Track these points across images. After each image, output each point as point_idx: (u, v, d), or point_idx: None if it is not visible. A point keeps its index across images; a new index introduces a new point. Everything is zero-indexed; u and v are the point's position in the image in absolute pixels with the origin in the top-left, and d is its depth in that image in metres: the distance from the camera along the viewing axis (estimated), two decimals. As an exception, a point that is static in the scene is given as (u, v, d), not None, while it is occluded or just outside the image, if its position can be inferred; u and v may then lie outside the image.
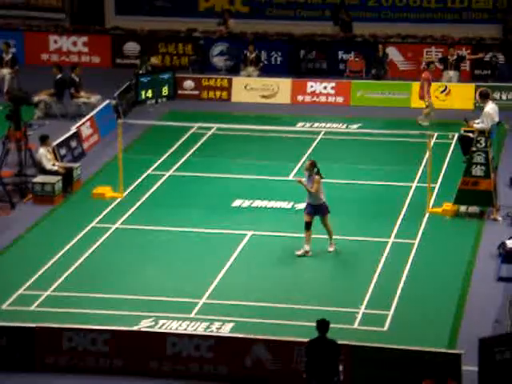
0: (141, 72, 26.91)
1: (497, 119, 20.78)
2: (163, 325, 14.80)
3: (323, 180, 17.32)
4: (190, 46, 29.60)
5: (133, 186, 20.32)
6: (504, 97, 25.89)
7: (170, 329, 14.60)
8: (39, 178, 19.87)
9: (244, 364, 13.41)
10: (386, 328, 14.81)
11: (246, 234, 18.04)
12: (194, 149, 22.93)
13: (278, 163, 21.89)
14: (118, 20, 31.24)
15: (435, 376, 12.49)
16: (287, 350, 13.30)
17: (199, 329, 14.67)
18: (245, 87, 27.00)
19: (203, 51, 29.24)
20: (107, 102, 24.66)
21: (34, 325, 13.82)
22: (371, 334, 14.50)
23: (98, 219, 18.77)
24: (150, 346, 13.59)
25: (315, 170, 17.20)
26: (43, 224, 18.81)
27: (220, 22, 29.99)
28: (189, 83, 27.22)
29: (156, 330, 14.46)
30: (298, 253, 17.10)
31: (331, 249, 17.24)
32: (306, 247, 17.10)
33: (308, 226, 17.11)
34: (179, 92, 27.16)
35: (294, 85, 26.92)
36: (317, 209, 17.20)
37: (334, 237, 17.58)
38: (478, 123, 20.62)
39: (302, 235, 17.88)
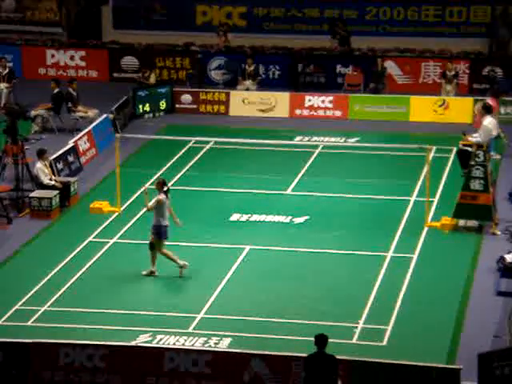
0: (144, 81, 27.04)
1: (495, 133, 20.77)
2: (160, 340, 14.72)
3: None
4: (187, 60, 29.63)
5: (130, 201, 20.26)
6: (502, 111, 25.87)
7: (168, 344, 14.52)
8: (36, 193, 19.81)
9: (242, 379, 13.32)
10: (384, 343, 14.73)
11: (243, 248, 17.98)
12: (192, 163, 22.89)
13: (276, 177, 21.85)
14: (115, 34, 31.27)
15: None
16: (285, 365, 13.21)
17: (197, 344, 14.59)
18: (243, 101, 26.99)
19: (201, 65, 29.25)
20: (105, 116, 24.64)
21: (29, 340, 13.73)
22: (370, 349, 14.42)
23: (95, 234, 18.70)
24: (148, 362, 13.49)
25: (164, 189, 16.70)
26: (40, 239, 18.74)
27: (219, 33, 29.96)
28: (186, 97, 27.22)
29: (153, 345, 14.37)
30: (144, 273, 16.78)
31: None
32: (152, 267, 16.78)
33: (151, 246, 16.71)
34: (177, 106, 27.15)
35: (291, 98, 26.92)
36: (154, 229, 16.69)
37: (333, 251, 17.53)
38: (476, 137, 20.60)
39: (301, 249, 17.84)
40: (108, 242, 18.32)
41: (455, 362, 13.95)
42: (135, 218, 19.23)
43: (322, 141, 24.36)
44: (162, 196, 16.70)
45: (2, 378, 13.64)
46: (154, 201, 16.73)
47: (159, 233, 16.67)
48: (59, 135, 24.40)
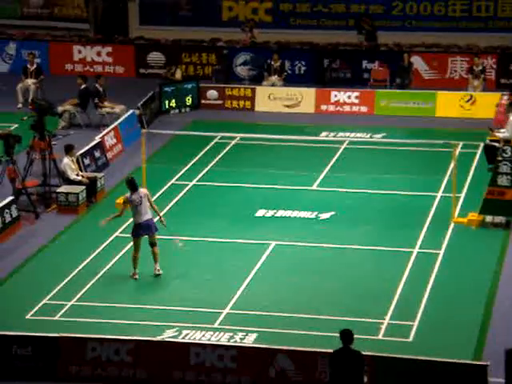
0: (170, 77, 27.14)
1: (522, 128, 20.64)
2: (187, 335, 14.77)
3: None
4: (213, 56, 29.65)
5: (156, 196, 20.32)
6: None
7: (194, 339, 14.55)
8: (63, 188, 19.92)
9: (268, 374, 13.34)
10: (410, 339, 14.68)
11: (269, 244, 17.98)
12: (218, 158, 22.92)
13: (302, 173, 21.82)
14: (141, 30, 31.36)
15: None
16: (311, 360, 13.22)
17: (222, 339, 14.62)
18: (268, 97, 26.98)
19: (227, 61, 29.26)
20: (131, 111, 24.72)
21: (57, 334, 13.83)
22: (396, 345, 14.38)
23: (121, 229, 18.77)
24: (174, 356, 13.55)
25: (130, 187, 16.48)
26: (67, 234, 18.85)
27: (245, 29, 29.97)
28: (212, 93, 27.24)
29: (179, 340, 14.42)
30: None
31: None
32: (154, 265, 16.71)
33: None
34: (203, 102, 27.19)
35: (317, 94, 26.88)
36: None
37: (359, 247, 17.52)
38: (504, 132, 20.47)
39: (326, 245, 17.84)
40: (134, 237, 18.38)
41: (482, 358, 13.88)
42: (161, 213, 19.26)
43: (348, 136, 24.29)
44: (126, 195, 16.62)
45: (30, 372, 13.75)
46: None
47: (132, 231, 16.71)
48: (86, 131, 24.52)
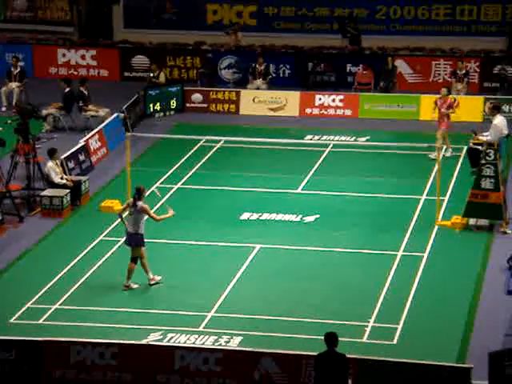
0: (153, 79, 27.08)
1: (506, 132, 20.73)
2: (171, 338, 14.76)
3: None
4: (198, 59, 29.66)
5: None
6: (513, 109, 25.83)
7: (179, 342, 14.56)
8: (47, 192, 19.88)
9: (252, 378, 13.35)
10: (395, 341, 14.73)
11: (254, 247, 18.01)
12: (202, 161, 22.93)
13: (287, 176, 21.87)
14: (126, 33, 31.33)
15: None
16: (296, 363, 13.23)
17: (207, 342, 14.63)
18: (253, 100, 27.02)
19: (211, 64, 29.28)
20: (115, 115, 24.70)
21: (41, 338, 13.79)
22: (380, 348, 14.43)
23: (106, 232, 18.75)
24: (158, 360, 13.54)
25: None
26: (51, 237, 18.81)
27: (228, 32, 30.01)
28: (197, 96, 27.26)
29: (164, 343, 14.41)
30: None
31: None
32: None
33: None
34: (187, 105, 27.19)
35: (302, 97, 26.93)
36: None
37: (343, 250, 17.58)
38: (487, 136, 20.57)
39: (311, 248, 17.88)
40: (119, 241, 18.35)
41: (466, 360, 13.94)
42: (146, 217, 19.26)
43: (333, 140, 24.35)
44: (130, 200, 16.57)
45: (14, 376, 13.70)
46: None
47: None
48: (70, 134, 24.47)
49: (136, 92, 26.27)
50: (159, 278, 16.62)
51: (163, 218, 16.65)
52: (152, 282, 16.54)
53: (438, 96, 23.27)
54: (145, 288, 16.55)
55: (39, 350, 13.65)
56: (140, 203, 16.39)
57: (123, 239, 16.78)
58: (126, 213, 16.61)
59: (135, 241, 16.38)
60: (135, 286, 16.50)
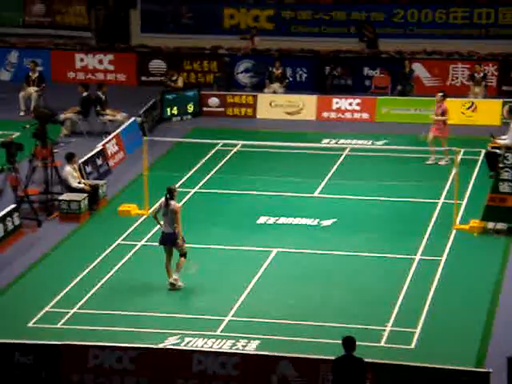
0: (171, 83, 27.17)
1: (524, 135, 20.66)
2: (189, 342, 14.77)
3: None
4: (215, 63, 29.71)
5: (158, 203, 20.31)
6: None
7: (196, 346, 14.56)
8: (65, 196, 19.95)
9: (270, 382, 13.33)
10: (413, 346, 14.68)
11: (271, 251, 18.00)
12: (219, 165, 22.95)
13: (304, 180, 21.85)
14: (143, 38, 31.42)
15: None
16: (313, 367, 13.21)
17: (225, 346, 14.63)
18: (270, 104, 27.03)
19: (228, 68, 29.31)
20: (133, 119, 24.77)
21: (59, 342, 13.83)
22: (398, 352, 14.38)
23: (123, 236, 18.80)
24: (176, 364, 13.55)
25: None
26: (69, 241, 18.87)
27: (245, 37, 30.06)
28: (214, 100, 27.29)
29: (182, 347, 14.42)
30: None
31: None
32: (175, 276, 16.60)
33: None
34: (204, 109, 27.24)
35: (319, 101, 26.92)
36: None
37: (361, 254, 17.56)
38: (505, 139, 20.49)
39: (328, 252, 17.86)
40: (136, 245, 18.42)
41: (484, 365, 13.88)
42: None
43: (350, 143, 24.32)
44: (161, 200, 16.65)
45: (32, 380, 13.75)
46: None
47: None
48: (88, 139, 24.56)
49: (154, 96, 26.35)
50: (181, 284, 16.60)
51: (180, 230, 16.50)
52: (173, 283, 16.42)
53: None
54: (162, 292, 16.56)
55: (57, 353, 13.68)
56: (173, 202, 16.47)
57: (157, 240, 16.66)
58: (160, 213, 16.62)
59: (176, 240, 16.41)
60: (181, 284, 16.48)
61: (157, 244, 18.43)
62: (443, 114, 22.48)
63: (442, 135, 22.46)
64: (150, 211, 16.83)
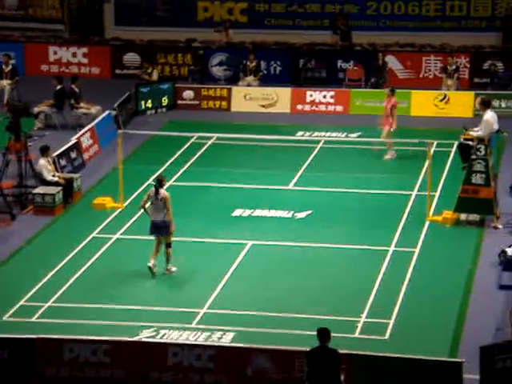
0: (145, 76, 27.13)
1: (496, 127, 20.79)
2: (164, 335, 14.80)
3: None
4: (189, 56, 29.67)
5: (133, 196, 20.34)
6: (503, 104, 25.95)
7: (171, 339, 14.59)
8: (39, 189, 19.89)
9: (245, 374, 13.40)
10: (387, 336, 14.79)
11: (246, 244, 18.05)
12: (194, 158, 22.96)
13: (278, 172, 21.91)
14: (117, 31, 31.32)
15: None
16: (288, 359, 13.29)
17: (200, 339, 14.67)
18: (244, 97, 27.05)
19: (203, 61, 29.29)
20: (107, 112, 24.70)
21: (34, 336, 13.82)
22: (372, 343, 14.49)
23: (98, 230, 18.78)
24: (151, 357, 13.57)
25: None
26: (44, 235, 18.82)
27: (219, 29, 30.06)
28: (188, 93, 27.28)
29: (157, 340, 14.45)
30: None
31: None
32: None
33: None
34: (179, 102, 27.22)
35: (293, 94, 26.98)
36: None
37: (335, 245, 17.64)
38: (477, 131, 20.64)
39: (303, 244, 17.95)
40: (111, 238, 18.41)
41: (457, 355, 14.02)
42: (138, 214, 19.27)
43: (324, 136, 24.40)
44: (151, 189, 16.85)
45: (7, 374, 13.73)
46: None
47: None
48: (62, 132, 24.47)
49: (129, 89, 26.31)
50: (174, 269, 16.82)
51: (171, 219, 16.63)
52: (153, 268, 16.60)
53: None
54: (137, 285, 16.58)
55: (32, 347, 13.67)
56: (162, 191, 16.59)
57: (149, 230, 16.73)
58: (148, 204, 16.68)
59: (165, 228, 16.55)
60: (174, 268, 16.74)
61: (132, 237, 18.44)
62: (392, 108, 22.54)
63: (388, 129, 22.48)
64: (141, 203, 16.90)
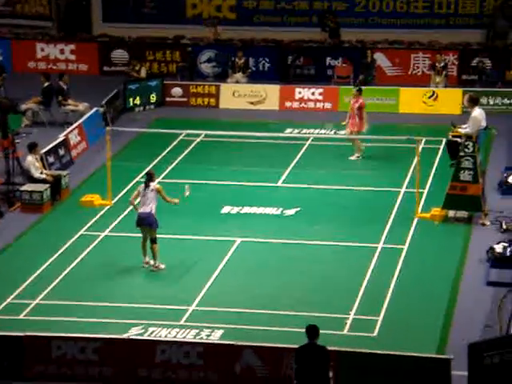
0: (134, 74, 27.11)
1: (484, 124, 20.83)
2: (152, 332, 14.78)
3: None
4: (177, 53, 29.62)
5: (121, 194, 20.30)
6: (491, 101, 26.01)
7: (160, 336, 14.58)
8: (27, 187, 19.82)
9: (234, 371, 13.39)
10: (375, 334, 14.81)
11: (234, 241, 18.04)
12: (183, 156, 22.93)
13: (267, 170, 21.90)
14: (105, 27, 31.22)
15: (424, 381, 12.49)
16: (277, 356, 13.29)
17: (189, 336, 14.65)
18: (233, 94, 27.02)
19: (191, 58, 29.25)
20: (95, 109, 24.64)
21: (22, 333, 13.77)
22: (361, 340, 14.51)
23: (86, 227, 18.74)
24: (140, 354, 13.56)
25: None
26: (31, 232, 18.77)
27: (207, 25, 29.99)
28: (177, 90, 27.24)
29: (145, 337, 14.43)
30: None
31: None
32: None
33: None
34: (167, 99, 27.17)
35: (281, 91, 26.96)
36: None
37: (324, 242, 17.68)
38: (465, 128, 20.67)
39: (292, 241, 17.95)
40: (99, 235, 18.37)
41: (445, 352, 14.04)
42: (126, 211, 19.24)
43: (312, 133, 24.41)
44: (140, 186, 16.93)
45: (-5, 372, 13.70)
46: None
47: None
48: (50, 129, 24.39)
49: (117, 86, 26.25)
50: (163, 266, 16.82)
51: (170, 201, 16.88)
52: (146, 266, 16.74)
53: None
54: (125, 282, 16.55)
55: (20, 345, 13.63)
56: (153, 184, 16.69)
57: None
58: (137, 200, 16.70)
59: (149, 221, 16.56)
60: (163, 265, 16.73)
61: (121, 234, 18.42)
62: (360, 108, 22.48)
63: (356, 130, 22.46)
64: (131, 199, 16.96)
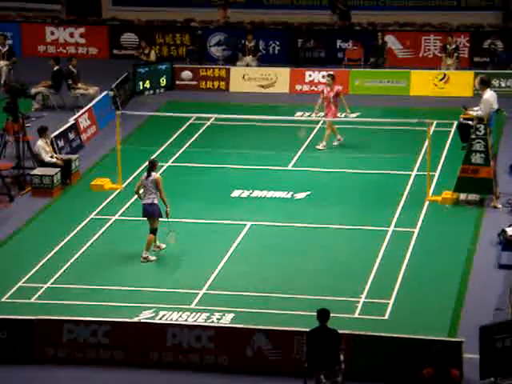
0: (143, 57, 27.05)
1: (496, 106, 20.68)
2: (163, 316, 14.79)
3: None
4: (187, 36, 29.55)
5: (132, 177, 20.28)
6: (503, 84, 25.86)
7: (171, 320, 14.58)
8: (37, 170, 19.83)
9: (245, 354, 13.40)
10: (386, 317, 14.79)
11: (245, 225, 18.01)
12: (193, 139, 22.89)
13: (277, 153, 21.85)
14: (114, 11, 31.16)
15: (436, 364, 12.45)
16: (288, 339, 13.28)
17: (199, 319, 14.66)
18: (243, 77, 26.94)
19: (201, 41, 29.17)
20: (105, 93, 24.61)
21: (33, 317, 13.80)
22: (372, 323, 14.48)
23: (96, 211, 18.74)
24: (151, 338, 13.57)
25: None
26: (42, 216, 18.78)
27: (218, 7, 29.86)
28: (186, 73, 27.16)
29: (156, 321, 14.44)
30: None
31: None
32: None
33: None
34: (177, 82, 27.11)
35: (292, 74, 26.87)
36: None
37: (334, 226, 17.62)
38: (477, 110, 20.55)
39: (302, 225, 17.91)
40: (110, 219, 18.37)
41: (457, 335, 14.01)
42: (136, 196, 19.23)
43: (323, 116, 24.31)
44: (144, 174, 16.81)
45: (6, 355, 13.72)
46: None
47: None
48: (60, 113, 24.38)
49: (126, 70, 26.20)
50: (153, 258, 16.69)
51: (163, 200, 16.61)
52: (156, 250, 16.71)
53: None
54: (136, 266, 16.55)
55: (31, 328, 13.66)
56: (154, 174, 16.57)
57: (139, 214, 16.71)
58: (142, 190, 16.66)
59: (152, 211, 16.45)
60: (153, 258, 16.59)
61: (131, 218, 18.45)
62: (336, 95, 22.21)
63: (333, 117, 22.11)
64: (135, 189, 16.90)
